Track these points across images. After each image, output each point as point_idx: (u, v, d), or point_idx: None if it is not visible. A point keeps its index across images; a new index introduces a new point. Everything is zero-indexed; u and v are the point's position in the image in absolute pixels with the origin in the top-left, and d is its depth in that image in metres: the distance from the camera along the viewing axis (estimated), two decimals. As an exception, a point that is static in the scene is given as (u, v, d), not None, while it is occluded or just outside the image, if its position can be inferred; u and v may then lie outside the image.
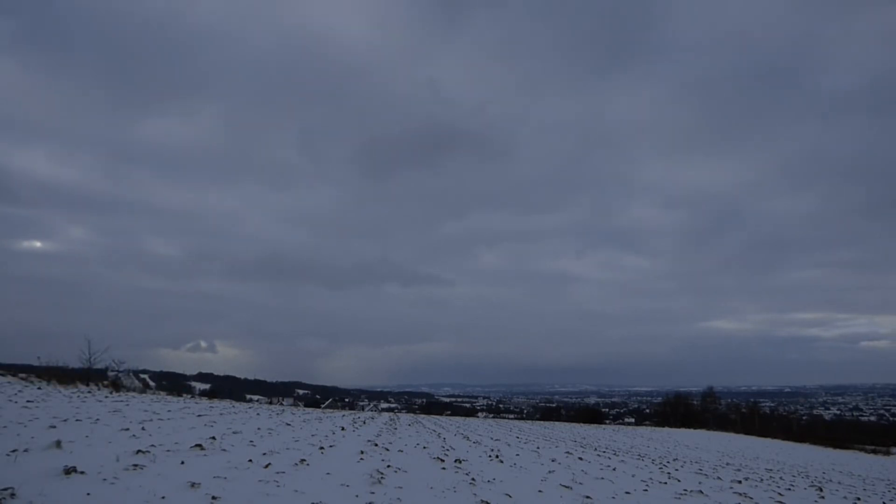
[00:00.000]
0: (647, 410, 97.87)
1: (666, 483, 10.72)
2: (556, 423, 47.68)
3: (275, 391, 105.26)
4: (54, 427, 8.37)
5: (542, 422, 49.10)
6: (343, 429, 15.07)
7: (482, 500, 6.60)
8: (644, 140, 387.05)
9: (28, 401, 11.99)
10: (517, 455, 12.82)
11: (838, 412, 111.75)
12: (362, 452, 9.77)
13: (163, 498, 4.89)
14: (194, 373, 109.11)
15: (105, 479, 5.23)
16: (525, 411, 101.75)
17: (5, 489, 4.42)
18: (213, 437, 9.07)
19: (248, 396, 65.18)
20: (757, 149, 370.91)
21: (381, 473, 7.53)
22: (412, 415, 39.68)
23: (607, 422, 62.94)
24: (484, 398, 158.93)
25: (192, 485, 5.44)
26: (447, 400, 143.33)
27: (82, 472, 5.30)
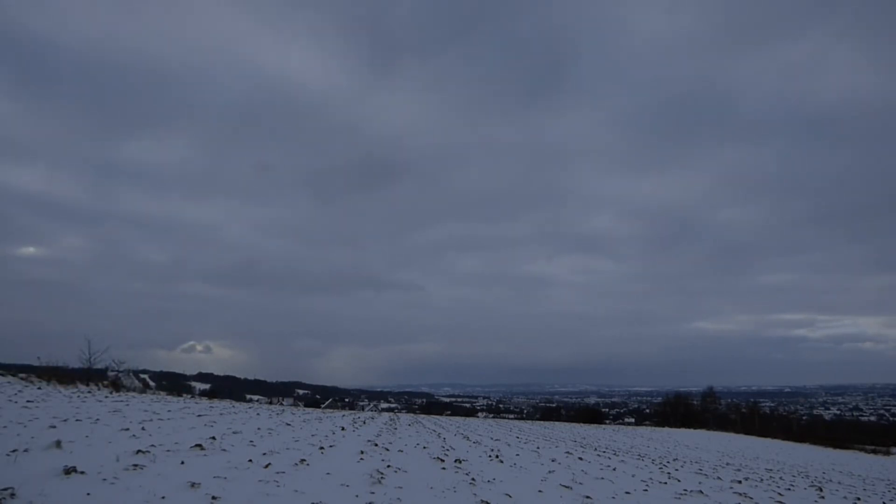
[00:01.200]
0: (647, 410, 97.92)
1: (666, 483, 10.72)
2: (556, 423, 47.68)
3: (275, 391, 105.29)
4: (54, 427, 8.36)
5: (542, 422, 49.11)
6: (343, 429, 15.07)
7: (482, 500, 6.60)
8: (586, 161, 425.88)
9: (28, 401, 11.99)
10: (517, 455, 12.82)
11: (838, 412, 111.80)
12: (362, 452, 9.77)
13: (163, 498, 4.89)
14: (194, 373, 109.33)
15: (105, 479, 5.23)
16: (525, 411, 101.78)
17: (5, 489, 4.42)
18: (213, 437, 9.07)
19: (248, 396, 65.20)
20: (691, 168, 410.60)
21: (381, 473, 7.53)
22: (412, 415, 39.68)
23: (607, 422, 62.95)
24: (484, 398, 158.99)
25: (192, 485, 5.44)
26: (447, 400, 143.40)
27: (82, 472, 5.30)
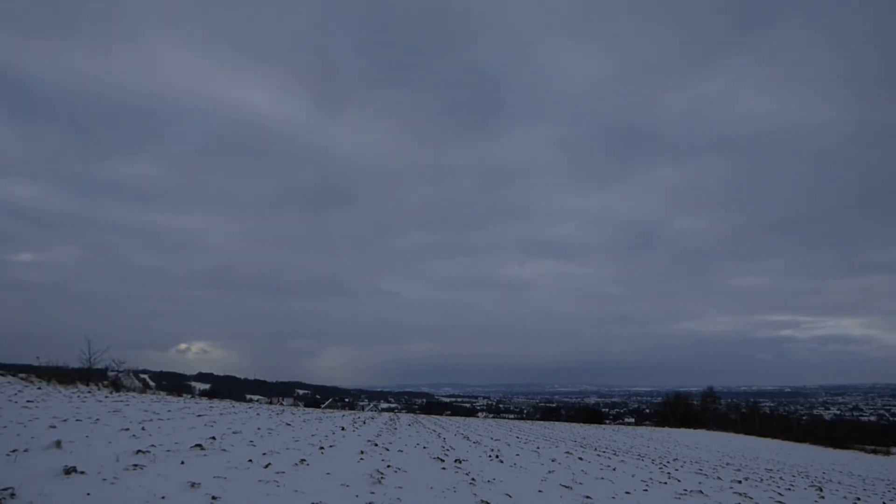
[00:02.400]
0: (647, 410, 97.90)
1: (666, 483, 10.72)
2: (556, 423, 47.69)
3: (275, 391, 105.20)
4: (54, 427, 8.36)
5: (542, 422, 49.11)
6: (343, 429, 15.07)
7: (482, 500, 6.60)
8: (537, 179, 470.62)
9: (28, 401, 11.99)
10: (517, 455, 12.82)
11: (838, 412, 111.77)
12: (362, 452, 9.77)
13: (163, 498, 4.89)
14: (194, 373, 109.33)
15: (105, 479, 5.22)
16: (525, 411, 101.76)
17: (5, 489, 4.42)
18: (213, 437, 9.07)
19: (248, 396, 65.17)
20: (633, 185, 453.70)
21: (381, 473, 7.53)
22: (412, 415, 39.68)
23: (607, 422, 62.93)
24: (484, 398, 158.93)
25: (192, 485, 5.44)
26: (447, 400, 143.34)
27: (82, 472, 5.30)
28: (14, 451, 6.01)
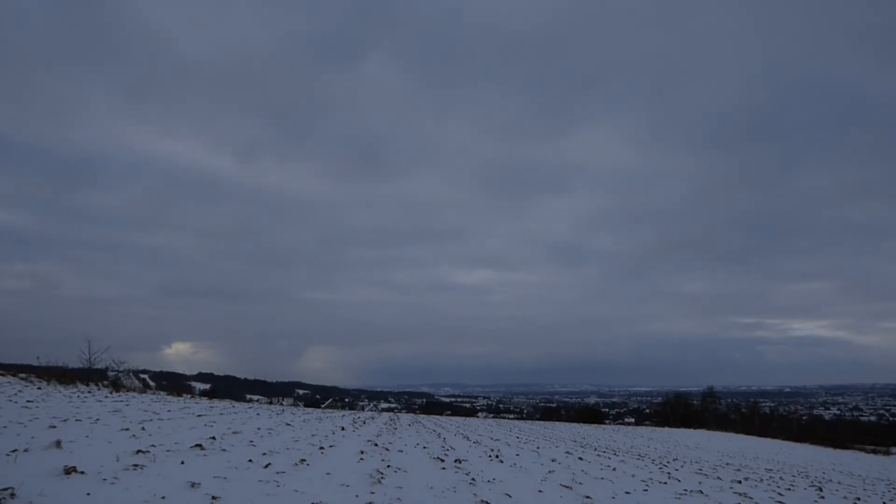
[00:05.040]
0: (647, 410, 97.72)
1: (666, 483, 10.72)
2: (556, 423, 47.68)
3: (275, 391, 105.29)
4: (54, 427, 8.36)
5: (542, 422, 49.11)
6: (343, 429, 15.07)
7: (482, 500, 6.60)
8: (449, 208, 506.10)
9: (28, 401, 11.98)
10: (517, 455, 12.82)
11: (838, 412, 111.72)
12: (362, 452, 9.77)
13: (163, 498, 4.89)
14: (194, 373, 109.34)
15: (105, 479, 5.22)
16: (525, 411, 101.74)
17: (5, 489, 4.42)
18: (213, 437, 9.08)
19: (248, 396, 65.16)
20: (533, 216, 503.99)
21: (381, 473, 7.53)
22: (412, 415, 39.68)
23: (607, 422, 62.90)
24: (484, 398, 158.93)
25: (192, 485, 5.44)
26: (447, 400, 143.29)
27: (82, 472, 5.30)
28: (14, 451, 6.00)
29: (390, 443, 12.35)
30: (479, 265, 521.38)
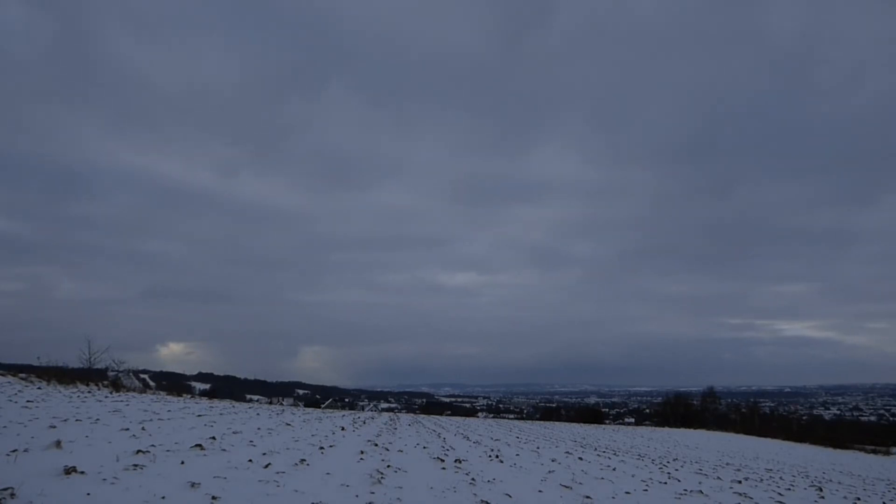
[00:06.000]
0: (647, 410, 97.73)
1: (666, 483, 10.72)
2: (556, 423, 47.69)
3: (275, 391, 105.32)
4: (54, 427, 8.36)
5: (542, 422, 49.12)
6: (343, 429, 15.07)
7: (482, 500, 6.60)
8: (424, 218, 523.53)
9: (28, 401, 11.98)
10: (517, 455, 12.82)
11: (838, 412, 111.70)
12: (362, 452, 9.77)
13: (163, 498, 4.89)
14: (194, 373, 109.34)
15: (105, 479, 5.22)
16: (525, 411, 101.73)
17: (5, 489, 4.42)
18: (213, 437, 9.08)
19: (248, 396, 65.21)
20: (503, 223, 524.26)
21: (381, 473, 7.53)
22: (412, 415, 39.69)
23: (607, 422, 62.92)
24: (484, 398, 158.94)
25: (192, 485, 5.44)
26: (447, 400, 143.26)
27: (82, 472, 5.30)
28: (14, 451, 6.00)
29: (390, 443, 12.35)
30: (462, 268, 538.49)
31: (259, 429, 12.06)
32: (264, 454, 8.02)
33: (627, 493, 8.81)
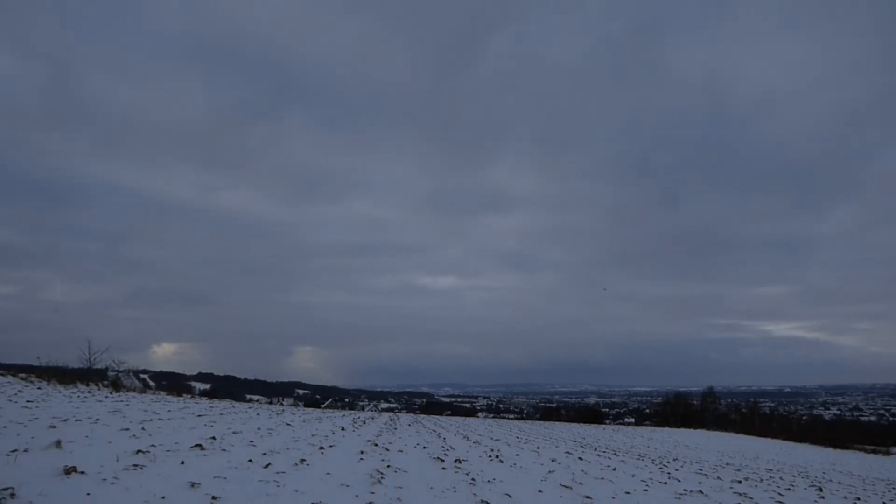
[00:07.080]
0: (647, 410, 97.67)
1: (666, 483, 10.72)
2: (556, 423, 47.71)
3: (275, 391, 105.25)
4: (54, 427, 8.36)
5: (542, 422, 49.14)
6: (343, 429, 15.08)
7: (482, 500, 6.60)
8: (401, 228, 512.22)
9: (28, 401, 11.98)
10: (517, 455, 12.82)
11: (838, 412, 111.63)
12: (362, 452, 9.78)
13: (163, 498, 4.89)
14: (194, 373, 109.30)
15: (105, 479, 5.22)
16: (525, 411, 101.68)
17: (5, 489, 4.42)
18: (213, 437, 9.08)
19: (248, 396, 65.17)
20: (475, 232, 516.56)
21: (381, 473, 7.53)
22: (412, 415, 39.71)
23: (607, 422, 62.93)
24: (484, 398, 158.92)
25: (192, 485, 5.44)
26: (447, 400, 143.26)
27: (82, 472, 5.30)
28: (14, 451, 6.00)
29: (390, 443, 12.35)
30: (442, 273, 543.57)
31: (259, 429, 12.06)
32: (264, 454, 8.02)
33: (627, 493, 8.82)
